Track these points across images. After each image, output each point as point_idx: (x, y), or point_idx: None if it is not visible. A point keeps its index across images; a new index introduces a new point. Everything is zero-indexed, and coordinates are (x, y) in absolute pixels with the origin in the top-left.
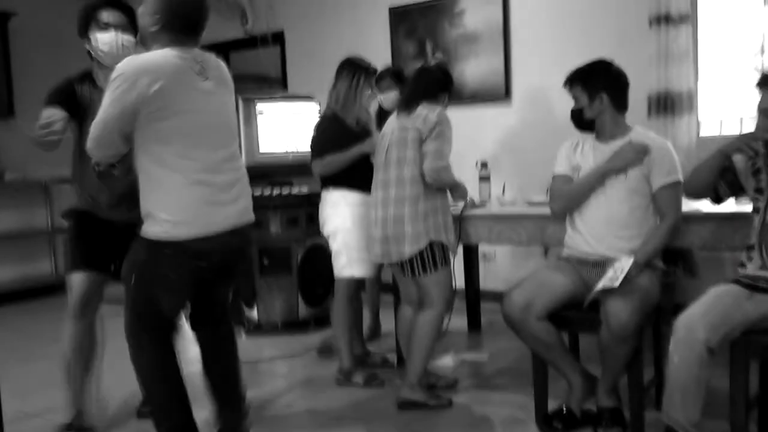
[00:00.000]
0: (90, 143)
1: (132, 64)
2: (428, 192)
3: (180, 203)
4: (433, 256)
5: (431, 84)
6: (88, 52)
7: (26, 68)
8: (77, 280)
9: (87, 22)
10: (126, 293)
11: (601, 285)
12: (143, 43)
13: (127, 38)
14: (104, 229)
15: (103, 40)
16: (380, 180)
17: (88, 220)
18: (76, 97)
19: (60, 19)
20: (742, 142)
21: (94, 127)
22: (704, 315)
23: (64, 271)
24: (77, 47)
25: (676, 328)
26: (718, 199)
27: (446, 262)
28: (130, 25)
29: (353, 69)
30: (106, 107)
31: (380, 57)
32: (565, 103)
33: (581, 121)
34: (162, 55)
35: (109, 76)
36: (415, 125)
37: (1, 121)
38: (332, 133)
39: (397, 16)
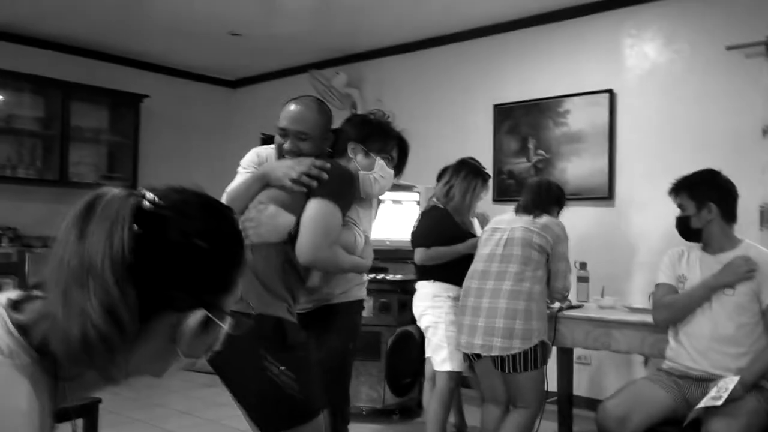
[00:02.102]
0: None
1: None
2: (543, 294)
3: None
4: (535, 355)
5: (550, 199)
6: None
7: (152, 146)
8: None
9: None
10: (337, 372)
11: (703, 403)
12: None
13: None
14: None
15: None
16: (492, 271)
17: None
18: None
19: (185, 104)
20: None
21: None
22: None
23: (302, 408)
24: (200, 131)
25: None
26: None
27: (544, 362)
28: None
29: (472, 174)
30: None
31: (482, 151)
32: (669, 209)
33: (687, 230)
34: None
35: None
36: (538, 230)
37: None
38: (444, 227)
39: (501, 112)
